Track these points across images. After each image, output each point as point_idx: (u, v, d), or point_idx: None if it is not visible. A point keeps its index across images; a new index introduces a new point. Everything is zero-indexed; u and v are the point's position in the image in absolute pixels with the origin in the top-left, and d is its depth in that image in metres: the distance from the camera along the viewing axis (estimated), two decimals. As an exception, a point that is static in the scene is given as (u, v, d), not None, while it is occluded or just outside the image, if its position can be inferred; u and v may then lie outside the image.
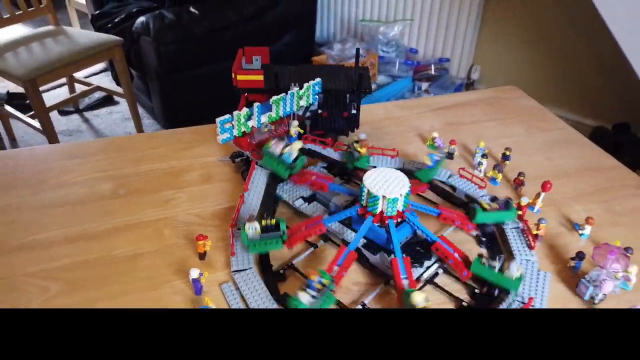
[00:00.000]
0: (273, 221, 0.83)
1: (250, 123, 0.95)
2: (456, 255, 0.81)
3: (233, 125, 0.92)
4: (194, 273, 0.78)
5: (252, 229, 0.82)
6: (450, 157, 1.14)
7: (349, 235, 0.87)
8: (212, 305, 0.74)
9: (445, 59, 2.95)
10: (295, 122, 1.03)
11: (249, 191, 0.95)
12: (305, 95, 1.02)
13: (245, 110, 0.92)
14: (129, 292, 0.81)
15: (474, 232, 0.93)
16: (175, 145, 1.17)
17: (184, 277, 0.83)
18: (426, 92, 2.84)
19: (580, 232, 0.93)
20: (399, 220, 0.84)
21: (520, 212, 0.93)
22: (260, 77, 1.07)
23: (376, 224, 0.84)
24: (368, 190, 0.81)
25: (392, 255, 0.81)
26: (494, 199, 0.91)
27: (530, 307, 0.76)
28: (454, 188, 1.03)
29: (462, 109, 1.35)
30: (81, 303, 0.79)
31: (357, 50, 1.17)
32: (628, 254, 0.82)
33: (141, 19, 2.50)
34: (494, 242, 0.91)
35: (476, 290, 0.81)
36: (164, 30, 2.44)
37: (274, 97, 0.96)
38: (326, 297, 0.73)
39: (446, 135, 1.19)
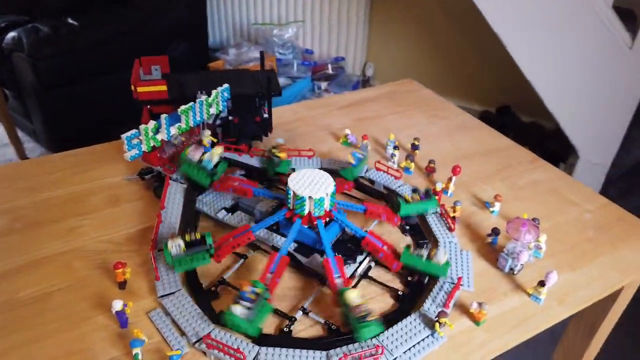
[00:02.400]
0: (198, 235, 0.78)
1: (159, 136, 0.89)
2: (385, 248, 0.82)
3: (141, 140, 0.86)
4: (117, 305, 0.71)
5: (176, 246, 0.77)
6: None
7: (279, 240, 0.85)
8: (144, 338, 0.68)
9: (341, 57, 3.03)
10: (208, 132, 0.99)
11: (165, 209, 0.90)
12: (214, 103, 0.98)
13: (152, 123, 0.86)
14: (42, 337, 0.72)
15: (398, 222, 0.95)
16: (72, 169, 1.07)
17: (105, 311, 0.75)
18: (326, 91, 2.89)
19: (491, 209, 1.00)
20: (327, 219, 0.83)
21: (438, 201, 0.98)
22: (164, 87, 1.01)
23: (305, 226, 0.83)
24: (294, 193, 0.80)
25: (325, 256, 0.80)
26: (415, 190, 0.94)
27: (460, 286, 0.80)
28: (372, 181, 1.05)
29: (366, 104, 1.39)
30: (-16, 359, 0.69)
31: (262, 53, 1.15)
32: (537, 225, 0.89)
33: (12, 34, 2.26)
34: (417, 229, 0.94)
35: (409, 278, 0.83)
36: (40, 45, 2.22)
37: (182, 107, 0.91)
38: (261, 306, 0.70)
39: (355, 131, 1.21)
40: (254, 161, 1.03)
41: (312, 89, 2.93)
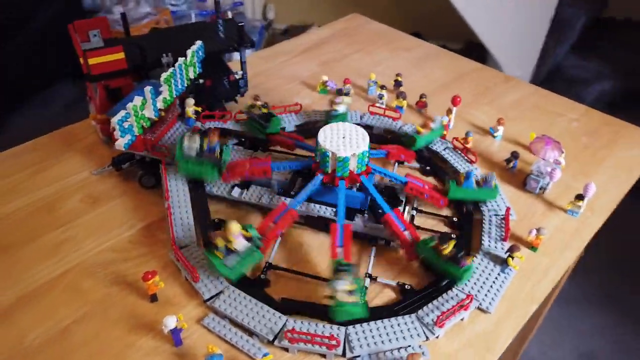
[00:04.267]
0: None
1: (146, 114, 0.73)
2: (427, 187, 0.78)
3: (131, 123, 0.70)
4: (171, 322, 0.59)
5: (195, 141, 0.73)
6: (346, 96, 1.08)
7: (324, 210, 0.76)
8: (219, 351, 0.58)
9: (239, 2, 2.81)
10: (191, 100, 0.84)
11: (170, 199, 0.76)
12: (192, 65, 0.83)
13: (139, 99, 0.70)
14: (82, 382, 0.58)
15: (416, 164, 0.91)
16: (22, 173, 0.86)
17: (148, 331, 0.63)
18: (231, 41, 2.68)
19: (494, 134, 0.99)
20: (367, 174, 0.76)
21: (445, 132, 0.95)
22: (121, 55, 0.83)
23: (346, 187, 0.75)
24: (333, 154, 0.71)
25: (362, 216, 0.75)
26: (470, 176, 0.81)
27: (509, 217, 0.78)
28: (370, 127, 0.98)
29: (323, 46, 1.29)
30: None
31: (217, 0, 0.99)
32: (557, 141, 0.90)
33: None
34: (437, 167, 0.90)
35: (454, 219, 0.80)
36: None
37: (165, 74, 0.76)
38: (249, 253, 0.65)
39: (326, 76, 1.11)
40: (238, 126, 0.91)
41: (216, 41, 2.71)
